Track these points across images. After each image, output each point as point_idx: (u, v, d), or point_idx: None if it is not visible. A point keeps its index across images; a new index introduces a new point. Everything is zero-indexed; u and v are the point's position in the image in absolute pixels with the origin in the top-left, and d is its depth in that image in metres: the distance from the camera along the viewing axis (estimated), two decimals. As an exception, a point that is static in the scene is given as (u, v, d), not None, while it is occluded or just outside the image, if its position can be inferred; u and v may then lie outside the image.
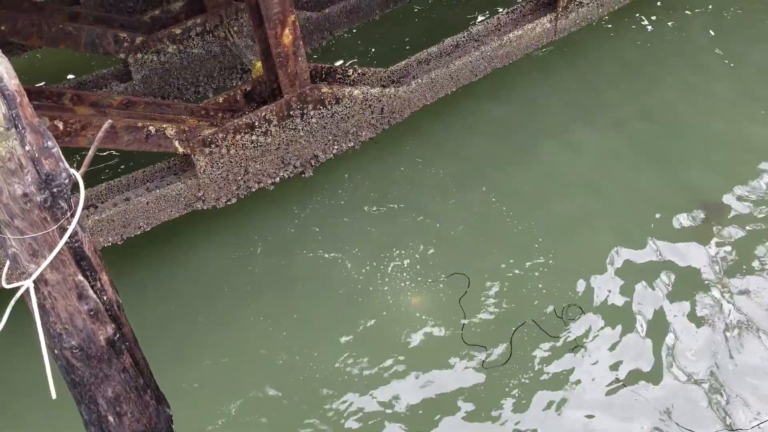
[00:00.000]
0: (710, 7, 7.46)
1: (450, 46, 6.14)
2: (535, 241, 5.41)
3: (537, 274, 5.20)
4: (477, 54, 6.03)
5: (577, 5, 6.33)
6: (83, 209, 4.93)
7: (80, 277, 3.01)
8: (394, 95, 5.69)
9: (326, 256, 5.48)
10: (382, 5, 7.08)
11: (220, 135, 4.99)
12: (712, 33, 7.18)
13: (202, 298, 5.32)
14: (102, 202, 5.05)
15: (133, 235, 5.17)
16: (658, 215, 5.49)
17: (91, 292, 3.08)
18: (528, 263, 5.27)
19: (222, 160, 5.12)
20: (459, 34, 6.19)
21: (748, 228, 5.35)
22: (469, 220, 5.63)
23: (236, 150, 5.13)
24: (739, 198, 5.56)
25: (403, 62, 5.96)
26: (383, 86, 5.76)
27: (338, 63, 7.27)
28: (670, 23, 7.34)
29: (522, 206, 5.69)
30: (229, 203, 5.42)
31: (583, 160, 6.03)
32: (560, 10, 6.23)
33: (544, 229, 5.50)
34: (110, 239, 5.07)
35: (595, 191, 5.75)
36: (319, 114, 5.37)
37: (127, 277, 5.40)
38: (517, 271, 5.24)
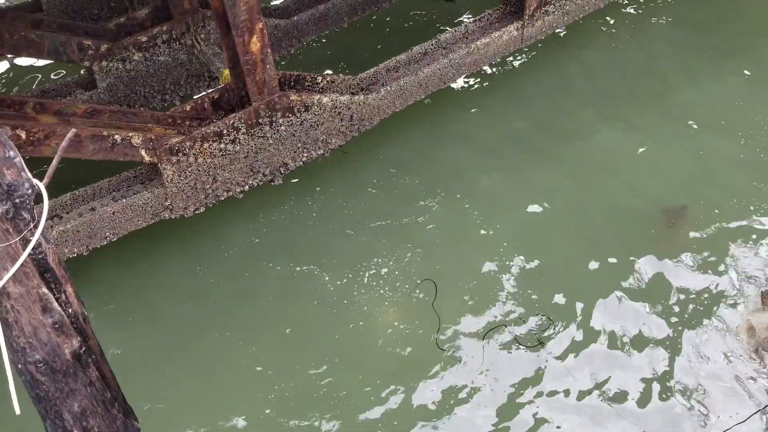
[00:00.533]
0: (670, 19, 7.61)
1: (418, 53, 6.17)
2: (507, 247, 5.44)
3: (511, 280, 5.22)
4: (445, 61, 6.06)
5: (543, 13, 6.41)
6: (47, 220, 4.84)
7: (44, 290, 2.94)
8: (364, 102, 5.69)
9: (298, 268, 5.45)
10: (350, 13, 7.09)
11: (188, 143, 4.94)
12: (674, 42, 7.32)
13: (169, 311, 5.24)
14: (67, 212, 4.96)
15: (99, 246, 5.08)
16: (624, 223, 5.55)
17: (55, 304, 3.01)
18: (501, 269, 5.31)
19: (190, 169, 5.06)
20: (427, 42, 6.22)
21: (711, 230, 5.45)
22: (443, 227, 5.64)
23: (204, 158, 5.08)
24: (700, 201, 5.66)
25: (372, 70, 5.97)
26: (352, 94, 5.76)
27: (307, 70, 7.26)
28: (632, 27, 7.48)
29: (495, 212, 5.72)
30: (197, 212, 5.36)
31: (553, 167, 6.09)
32: (527, 18, 6.31)
33: (516, 235, 5.54)
34: (76, 250, 4.98)
35: (565, 198, 5.81)
36: (288, 121, 5.35)
37: (93, 289, 5.31)
38: (490, 277, 5.27)
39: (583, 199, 5.79)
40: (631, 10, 7.75)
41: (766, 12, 7.62)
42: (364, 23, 7.73)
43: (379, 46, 7.57)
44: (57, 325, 3.02)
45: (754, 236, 5.37)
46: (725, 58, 7.02)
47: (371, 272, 5.35)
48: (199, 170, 5.11)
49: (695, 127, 6.33)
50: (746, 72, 6.84)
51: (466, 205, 5.79)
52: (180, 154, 4.95)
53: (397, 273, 5.33)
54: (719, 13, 7.61)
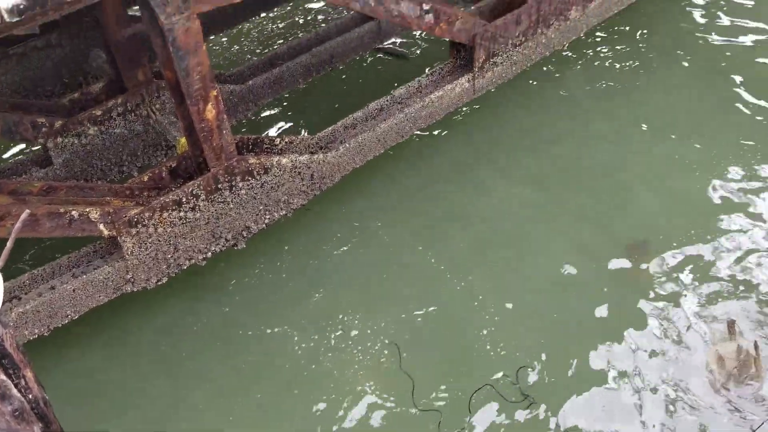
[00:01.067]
0: (607, 63, 7.88)
1: (375, 109, 6.27)
2: (474, 299, 5.44)
3: (483, 333, 5.20)
4: (401, 116, 6.16)
5: (492, 65, 6.58)
6: (5, 303, 4.71)
7: (2, 377, 2.84)
8: (323, 161, 5.73)
9: (268, 331, 5.37)
10: (304, 74, 7.20)
11: (147, 214, 4.89)
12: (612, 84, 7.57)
13: (139, 385, 5.10)
14: (26, 293, 4.83)
15: (60, 325, 4.95)
16: (591, 264, 5.61)
17: (14, 391, 2.90)
18: (473, 321, 5.29)
19: (150, 240, 5.00)
20: (383, 97, 6.32)
21: (674, 262, 5.54)
22: (412, 283, 5.62)
23: (164, 228, 5.02)
24: (661, 236, 5.76)
25: (330, 128, 6.03)
26: (312, 153, 5.79)
27: (266, 133, 7.31)
28: (578, 68, 7.72)
29: (460, 264, 5.72)
30: (160, 283, 5.27)
31: (512, 213, 6.14)
32: (477, 70, 6.47)
33: (483, 286, 5.54)
34: (36, 331, 4.84)
35: (527, 242, 5.86)
36: (248, 185, 5.34)
37: (55, 369, 5.15)
38: (463, 330, 5.25)
39: (543, 245, 5.84)
40: (570, 53, 8.01)
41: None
42: (319, 83, 7.85)
43: (336, 105, 7.67)
44: (17, 413, 2.91)
45: (714, 267, 5.47)
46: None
47: (338, 333, 5.30)
48: (159, 240, 5.05)
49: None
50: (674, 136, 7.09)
51: (433, 260, 5.79)
52: (139, 226, 4.89)
53: (366, 333, 5.28)
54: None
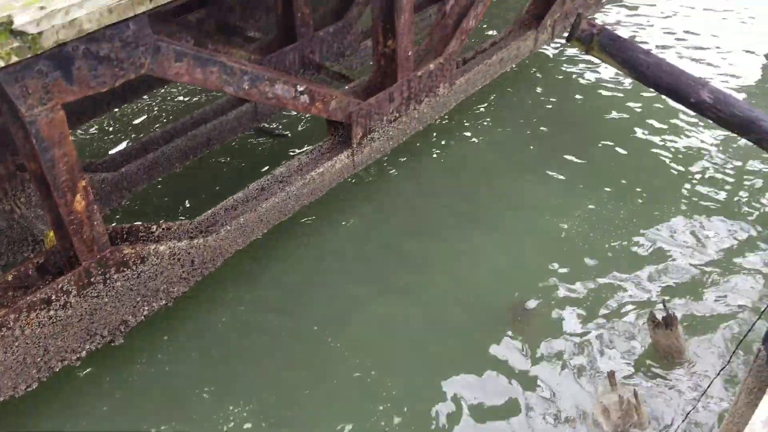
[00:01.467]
0: (479, 139, 8.33)
1: (256, 190, 6.22)
2: (370, 382, 5.40)
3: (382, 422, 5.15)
4: (283, 195, 6.15)
5: (369, 140, 6.75)
6: None
7: None
8: (204, 245, 5.58)
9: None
10: (181, 158, 7.07)
11: (12, 316, 4.53)
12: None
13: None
14: None
15: None
16: (475, 335, 5.72)
17: None
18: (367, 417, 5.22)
19: (16, 344, 4.62)
20: (263, 177, 6.30)
21: (552, 321, 5.76)
22: (306, 370, 5.49)
23: (32, 329, 4.66)
24: (539, 295, 6.00)
25: (210, 211, 5.91)
26: (191, 238, 5.63)
27: (141, 221, 7.05)
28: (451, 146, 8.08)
29: (327, 367, 5.58)
30: (29, 389, 4.85)
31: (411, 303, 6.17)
32: (355, 146, 6.62)
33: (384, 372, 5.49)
34: None
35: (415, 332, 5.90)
36: (123, 276, 5.09)
37: None
38: (355, 410, 5.16)
39: (427, 324, 5.91)
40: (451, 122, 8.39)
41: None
42: (198, 166, 7.72)
43: (216, 187, 7.56)
44: None
45: (590, 324, 5.74)
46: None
47: (230, 426, 5.06)
48: (27, 343, 4.68)
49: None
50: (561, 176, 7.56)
51: (329, 340, 5.71)
52: (4, 329, 4.52)
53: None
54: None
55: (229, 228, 5.75)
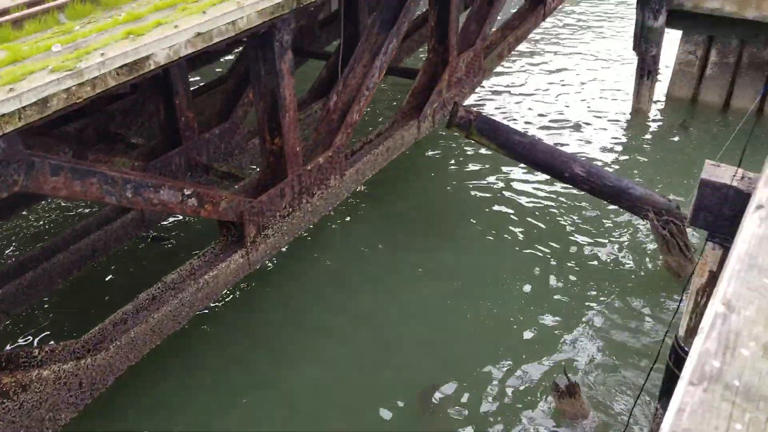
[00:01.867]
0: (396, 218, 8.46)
1: (146, 300, 5.95)
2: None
3: None
4: (176, 302, 5.91)
5: (264, 237, 6.68)
6: None
7: None
8: (92, 365, 5.23)
9: None
10: (63, 274, 6.70)
11: None
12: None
13: None
14: None
15: None
16: (387, 416, 5.64)
17: None
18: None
19: None
20: (153, 286, 6.05)
21: (464, 399, 5.75)
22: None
23: None
24: (451, 378, 6.00)
25: (98, 327, 5.57)
26: (78, 358, 5.27)
27: (22, 344, 6.57)
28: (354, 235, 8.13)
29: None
30: None
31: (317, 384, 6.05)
32: (249, 245, 6.52)
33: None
34: None
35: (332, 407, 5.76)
36: (3, 408, 4.66)
37: None
38: None
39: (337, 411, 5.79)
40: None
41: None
42: (82, 279, 7.35)
43: (106, 297, 7.21)
44: None
45: (496, 405, 5.78)
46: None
47: None
48: None
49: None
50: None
51: None
52: None
53: None
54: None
55: (119, 343, 5.44)
